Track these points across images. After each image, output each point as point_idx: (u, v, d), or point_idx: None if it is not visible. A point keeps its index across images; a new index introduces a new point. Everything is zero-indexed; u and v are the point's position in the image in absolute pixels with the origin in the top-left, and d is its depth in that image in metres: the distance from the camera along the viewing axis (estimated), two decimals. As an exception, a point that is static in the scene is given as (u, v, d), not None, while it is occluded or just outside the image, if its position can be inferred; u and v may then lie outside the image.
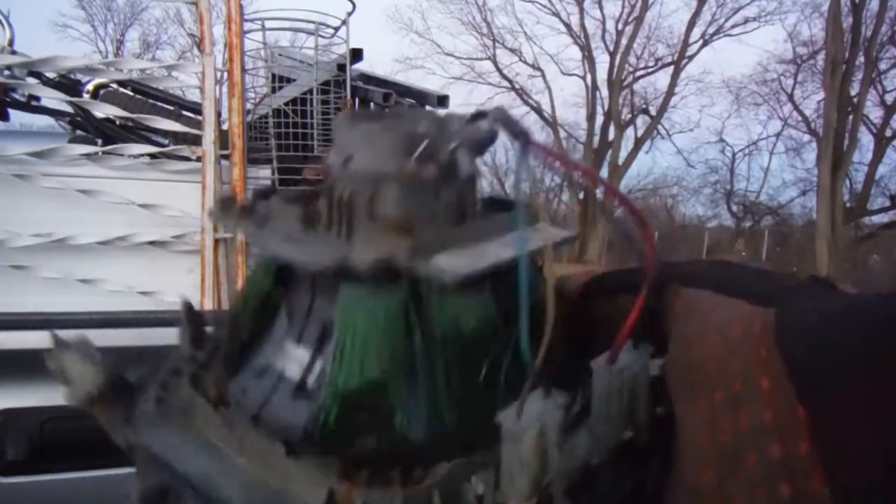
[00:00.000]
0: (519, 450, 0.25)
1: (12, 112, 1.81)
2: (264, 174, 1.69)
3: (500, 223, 0.29)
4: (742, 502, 0.19)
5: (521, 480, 0.25)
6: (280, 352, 0.31)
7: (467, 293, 0.26)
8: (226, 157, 1.58)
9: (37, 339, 1.07)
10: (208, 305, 1.53)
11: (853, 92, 16.98)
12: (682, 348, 0.24)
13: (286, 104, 1.76)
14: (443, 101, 1.78)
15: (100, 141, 1.70)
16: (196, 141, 1.57)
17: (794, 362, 0.18)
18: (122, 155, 1.53)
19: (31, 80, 1.65)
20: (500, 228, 0.29)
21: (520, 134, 0.27)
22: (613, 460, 0.28)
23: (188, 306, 0.38)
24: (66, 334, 0.39)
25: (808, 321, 0.19)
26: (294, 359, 0.30)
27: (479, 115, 0.30)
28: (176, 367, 0.38)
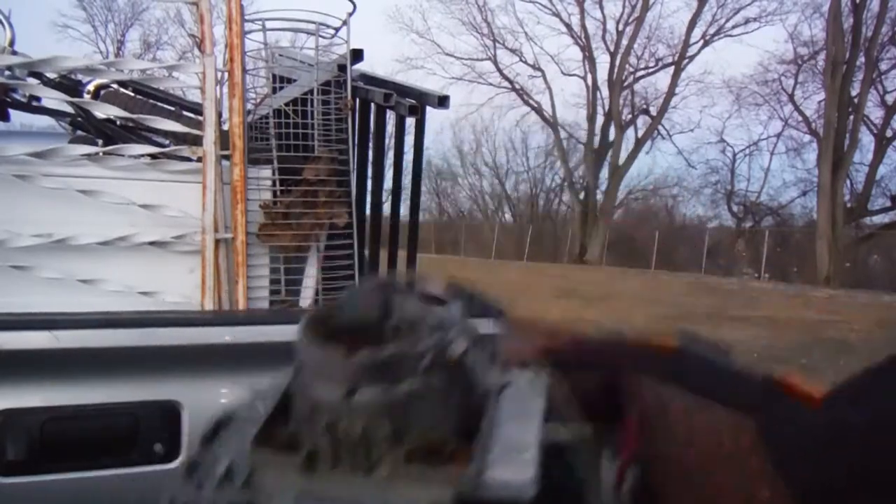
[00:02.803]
0: None
1: (13, 112, 1.81)
2: (265, 174, 1.69)
3: (500, 398, 0.29)
4: None
5: None
6: None
7: None
8: (226, 157, 1.58)
9: (38, 340, 1.07)
10: (208, 306, 1.53)
11: (854, 92, 16.98)
12: (673, 449, 0.25)
13: (287, 104, 1.76)
14: (443, 101, 1.78)
15: (100, 141, 1.70)
16: (196, 141, 1.57)
17: (792, 478, 0.21)
18: (122, 155, 1.53)
19: (32, 81, 1.65)
20: (502, 404, 0.28)
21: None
22: None
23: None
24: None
25: (793, 439, 0.22)
26: None
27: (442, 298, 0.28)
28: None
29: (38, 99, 1.80)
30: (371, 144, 1.97)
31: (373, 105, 1.89)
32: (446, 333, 0.26)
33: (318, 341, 0.27)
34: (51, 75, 1.69)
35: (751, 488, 0.22)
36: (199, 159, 1.55)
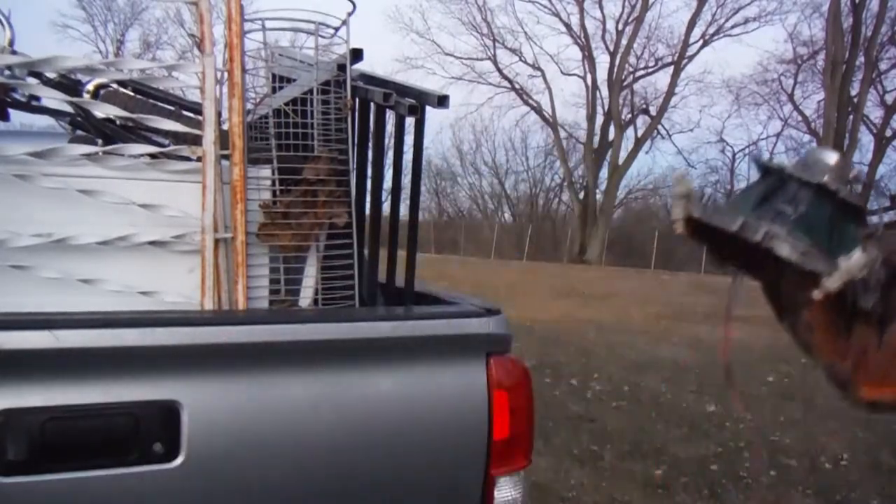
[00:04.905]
0: None
1: (12, 112, 1.81)
2: (264, 174, 1.69)
3: None
4: None
5: None
6: None
7: None
8: (226, 157, 1.58)
9: (38, 340, 1.07)
10: (208, 306, 1.53)
11: (853, 92, 16.98)
12: None
13: (286, 104, 1.76)
14: (443, 101, 1.78)
15: (100, 141, 1.70)
16: (196, 141, 1.57)
17: None
18: (122, 155, 1.53)
19: (32, 80, 1.65)
20: None
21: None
22: None
23: None
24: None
25: None
26: None
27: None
28: None
29: (37, 99, 1.80)
30: (371, 144, 1.97)
31: (372, 105, 1.89)
32: None
33: None
34: (50, 75, 1.69)
35: None
36: (199, 159, 1.56)
